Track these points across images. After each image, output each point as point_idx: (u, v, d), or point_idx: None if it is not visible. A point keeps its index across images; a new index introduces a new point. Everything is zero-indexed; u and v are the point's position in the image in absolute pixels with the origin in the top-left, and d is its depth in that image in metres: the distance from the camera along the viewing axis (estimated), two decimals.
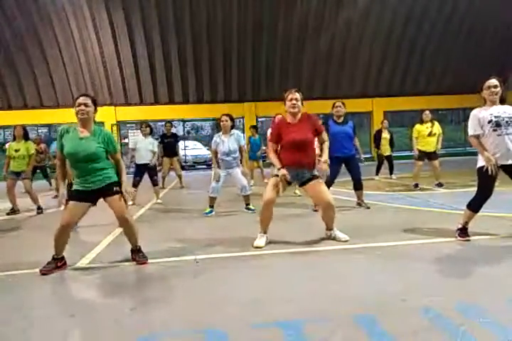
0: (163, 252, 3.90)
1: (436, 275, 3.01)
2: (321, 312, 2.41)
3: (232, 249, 3.94)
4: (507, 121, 3.70)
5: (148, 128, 7.40)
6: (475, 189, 3.98)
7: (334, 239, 4.15)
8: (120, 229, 5.06)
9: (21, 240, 4.95)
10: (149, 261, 3.63)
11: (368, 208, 6.04)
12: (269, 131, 7.19)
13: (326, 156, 4.19)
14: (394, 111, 18.36)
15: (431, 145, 7.89)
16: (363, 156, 6.61)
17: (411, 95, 17.76)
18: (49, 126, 17.78)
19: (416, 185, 7.95)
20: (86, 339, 2.25)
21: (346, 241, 4.06)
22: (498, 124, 3.70)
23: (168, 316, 2.47)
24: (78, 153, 3.42)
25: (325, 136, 4.25)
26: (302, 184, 4.14)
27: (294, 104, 4.00)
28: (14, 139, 7.01)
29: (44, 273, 3.42)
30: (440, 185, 7.93)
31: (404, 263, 3.31)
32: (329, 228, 4.23)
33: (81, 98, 3.48)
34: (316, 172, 4.12)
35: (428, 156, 8.00)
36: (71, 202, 3.51)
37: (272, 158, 4.13)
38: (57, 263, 3.54)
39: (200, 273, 3.29)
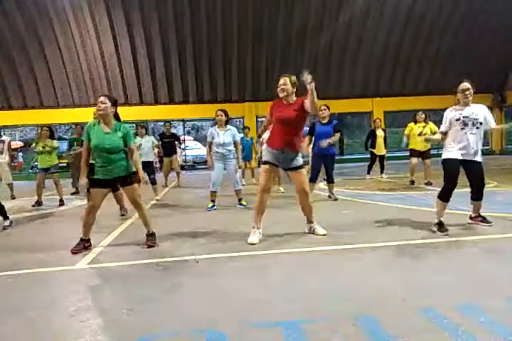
0: (162, 252, 3.90)
1: (436, 275, 3.01)
2: (321, 312, 2.41)
3: (232, 248, 3.94)
4: (473, 122, 4.20)
5: (144, 129, 7.93)
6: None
7: (314, 232, 4.41)
8: (120, 230, 5.14)
9: (22, 240, 4.95)
10: (149, 261, 3.63)
11: (336, 200, 6.71)
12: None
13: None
14: (394, 111, 18.36)
15: (421, 144, 8.07)
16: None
17: (411, 95, 17.74)
18: (49, 126, 17.76)
19: (412, 182, 8.10)
20: (86, 340, 2.24)
21: (324, 235, 4.31)
22: (465, 124, 4.21)
23: (168, 316, 2.47)
24: (103, 145, 3.99)
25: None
26: (288, 169, 4.45)
27: (283, 88, 4.24)
28: (39, 137, 7.84)
29: (75, 252, 3.95)
30: (429, 184, 8.02)
31: (404, 263, 3.31)
32: (309, 220, 4.50)
33: (101, 98, 4.04)
34: (301, 162, 4.39)
35: (420, 155, 8.25)
36: (93, 189, 4.08)
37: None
38: (85, 243, 4.07)
39: (200, 273, 3.30)
